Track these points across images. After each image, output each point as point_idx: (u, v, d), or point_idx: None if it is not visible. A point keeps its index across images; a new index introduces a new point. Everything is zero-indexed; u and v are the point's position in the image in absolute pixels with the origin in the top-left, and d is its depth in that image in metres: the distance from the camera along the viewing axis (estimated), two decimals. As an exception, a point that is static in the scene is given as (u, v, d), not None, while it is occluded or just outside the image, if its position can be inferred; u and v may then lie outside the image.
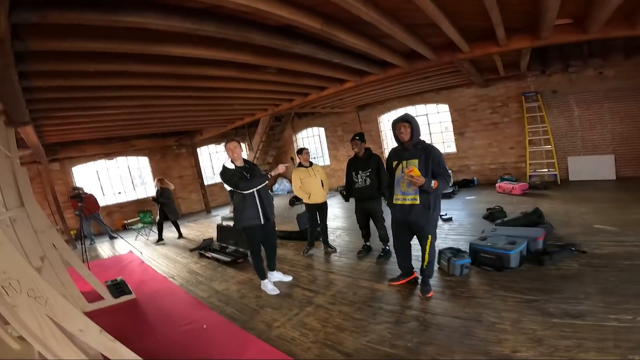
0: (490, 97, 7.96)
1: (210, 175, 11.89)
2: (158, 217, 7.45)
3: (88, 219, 7.83)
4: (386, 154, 10.66)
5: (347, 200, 4.74)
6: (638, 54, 6.09)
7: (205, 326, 3.11)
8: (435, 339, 2.49)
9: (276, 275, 4.06)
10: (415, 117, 3.09)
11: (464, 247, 3.91)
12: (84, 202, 6.35)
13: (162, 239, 7.30)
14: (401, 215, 3.12)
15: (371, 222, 4.48)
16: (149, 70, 3.49)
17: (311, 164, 4.92)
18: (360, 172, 4.30)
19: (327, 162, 11.90)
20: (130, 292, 4.17)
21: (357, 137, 4.30)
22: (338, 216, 7.45)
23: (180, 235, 7.51)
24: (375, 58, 4.41)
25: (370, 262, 4.34)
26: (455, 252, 3.71)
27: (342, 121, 11.05)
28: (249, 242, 3.82)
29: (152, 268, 5.45)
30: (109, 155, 9.85)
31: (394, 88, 7.13)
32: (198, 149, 11.38)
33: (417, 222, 3.05)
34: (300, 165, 4.92)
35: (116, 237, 8.09)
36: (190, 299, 3.93)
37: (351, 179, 4.43)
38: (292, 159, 9.87)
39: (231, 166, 3.58)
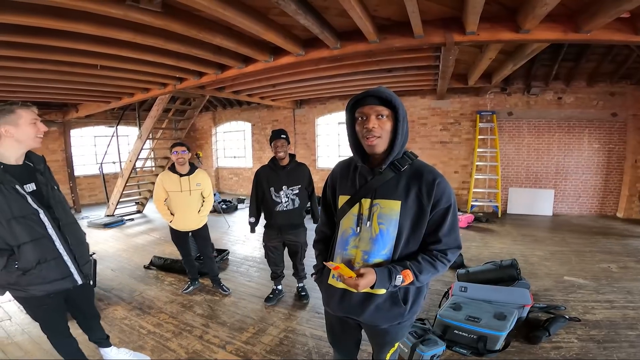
0: (444, 111, 7.11)
1: (91, 163, 9.02)
2: None
3: None
4: (320, 165, 9.38)
5: (254, 230, 3.18)
6: (602, 81, 5.74)
7: None
8: None
9: (115, 354, 2.29)
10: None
11: (426, 312, 2.93)
12: None
13: None
14: (341, 308, 1.40)
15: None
16: None
17: (192, 170, 3.24)
18: (284, 187, 2.90)
19: (250, 165, 10.03)
20: None
21: (284, 135, 2.85)
22: (251, 237, 5.50)
23: None
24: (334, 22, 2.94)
25: (282, 316, 2.94)
26: (422, 332, 2.47)
27: (274, 118, 9.33)
28: (40, 321, 1.85)
29: None
30: None
31: (346, 80, 5.46)
32: (75, 130, 8.56)
33: (377, 326, 1.40)
34: (172, 169, 3.19)
35: None
36: None
37: (265, 198, 3.00)
38: (197, 155, 7.97)
39: None
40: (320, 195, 1.60)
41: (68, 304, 1.96)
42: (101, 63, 3.70)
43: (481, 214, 6.56)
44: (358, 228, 1.31)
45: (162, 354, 2.44)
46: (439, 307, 2.96)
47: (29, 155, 1.77)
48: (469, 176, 7.05)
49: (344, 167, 1.44)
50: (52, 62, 3.60)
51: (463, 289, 3.02)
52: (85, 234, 2.03)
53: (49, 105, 7.55)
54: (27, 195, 1.64)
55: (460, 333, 2.52)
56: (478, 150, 6.77)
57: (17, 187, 1.60)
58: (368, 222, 1.29)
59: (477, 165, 6.85)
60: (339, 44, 3.35)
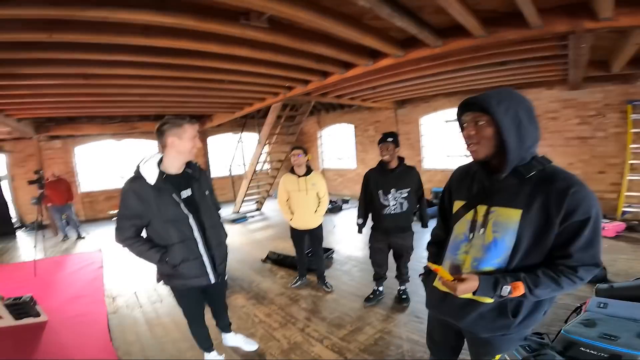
0: (581, 103, 5.89)
1: (222, 166, 10.64)
2: None
3: (59, 210, 6.44)
4: (425, 166, 8.80)
5: (361, 231, 3.27)
6: None
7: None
8: None
9: (232, 339, 2.65)
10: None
11: (547, 327, 2.53)
12: (47, 189, 5.29)
13: None
14: (440, 310, 1.43)
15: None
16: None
17: (308, 172, 3.46)
18: (392, 190, 2.89)
19: (354, 166, 10.24)
20: (36, 314, 3.16)
21: (390, 139, 2.84)
22: (354, 238, 5.63)
23: None
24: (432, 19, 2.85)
25: (380, 316, 3.00)
26: (538, 347, 2.19)
27: (375, 119, 9.34)
28: (183, 309, 2.26)
29: (101, 278, 4.32)
30: (115, 136, 8.92)
31: (451, 77, 5.10)
32: (209, 138, 10.36)
33: (476, 334, 1.34)
34: (292, 171, 3.49)
35: (83, 237, 6.73)
36: (102, 340, 2.83)
37: (373, 200, 3.01)
38: (308, 159, 8.48)
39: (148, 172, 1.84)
40: (431, 199, 1.62)
41: (205, 294, 2.27)
42: (227, 78, 4.32)
43: (636, 222, 5.22)
44: (471, 234, 1.30)
45: (268, 342, 2.73)
46: (565, 322, 2.55)
47: (189, 164, 2.01)
48: (620, 177, 5.67)
49: (462, 172, 1.45)
50: (193, 80, 4.34)
51: (602, 305, 2.54)
52: (226, 235, 2.28)
53: (191, 117, 9.31)
54: (180, 202, 1.88)
55: (588, 351, 2.15)
56: (631, 146, 5.40)
57: (174, 195, 1.86)
58: (482, 229, 1.26)
59: (630, 164, 5.48)
60: (440, 41, 3.17)
